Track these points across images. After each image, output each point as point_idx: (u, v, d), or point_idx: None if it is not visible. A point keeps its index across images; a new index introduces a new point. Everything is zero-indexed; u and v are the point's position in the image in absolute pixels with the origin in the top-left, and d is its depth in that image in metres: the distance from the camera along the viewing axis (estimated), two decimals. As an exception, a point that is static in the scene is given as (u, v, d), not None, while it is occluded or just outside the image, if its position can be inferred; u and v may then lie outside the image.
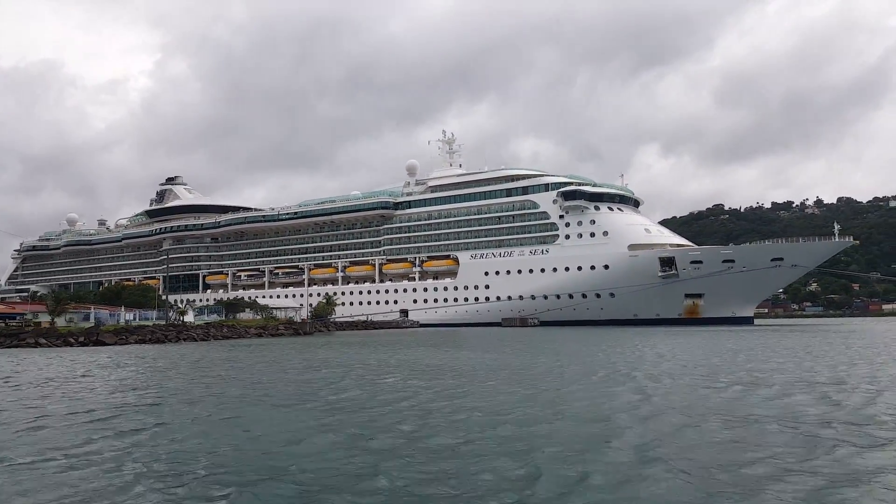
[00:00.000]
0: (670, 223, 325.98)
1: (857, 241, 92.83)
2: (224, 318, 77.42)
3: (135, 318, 67.32)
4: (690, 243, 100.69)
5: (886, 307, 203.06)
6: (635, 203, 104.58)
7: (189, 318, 69.23)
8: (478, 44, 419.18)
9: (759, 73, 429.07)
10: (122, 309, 70.62)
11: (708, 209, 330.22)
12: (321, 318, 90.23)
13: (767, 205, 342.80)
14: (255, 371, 23.77)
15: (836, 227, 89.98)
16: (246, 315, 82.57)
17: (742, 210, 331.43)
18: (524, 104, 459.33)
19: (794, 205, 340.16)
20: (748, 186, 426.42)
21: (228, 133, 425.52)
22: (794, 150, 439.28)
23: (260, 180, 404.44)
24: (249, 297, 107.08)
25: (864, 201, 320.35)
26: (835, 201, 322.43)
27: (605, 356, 28.68)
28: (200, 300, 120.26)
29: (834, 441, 9.97)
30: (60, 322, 64.37)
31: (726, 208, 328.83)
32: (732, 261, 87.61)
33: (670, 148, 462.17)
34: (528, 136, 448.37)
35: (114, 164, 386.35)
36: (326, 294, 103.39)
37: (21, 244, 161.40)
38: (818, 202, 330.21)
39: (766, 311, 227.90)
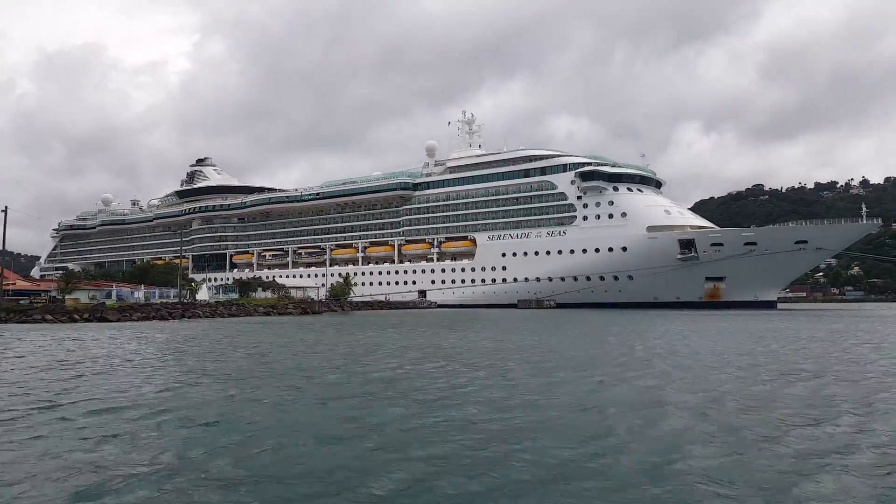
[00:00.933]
0: (707, 204, 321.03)
1: (881, 223, 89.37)
2: (238, 296, 79.16)
3: (155, 296, 69.47)
4: (712, 225, 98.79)
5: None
6: (657, 184, 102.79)
7: (203, 295, 70.96)
8: (512, 20, 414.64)
9: (806, 47, 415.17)
10: (143, 287, 72.93)
11: (747, 189, 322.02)
12: (338, 297, 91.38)
13: (810, 185, 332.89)
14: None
15: (864, 208, 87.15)
16: (263, 294, 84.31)
17: (783, 190, 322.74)
18: (559, 82, 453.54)
19: (838, 185, 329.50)
20: (792, 166, 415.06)
21: (263, 115, 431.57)
22: (842, 128, 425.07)
23: (293, 161, 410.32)
24: (271, 277, 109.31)
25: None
26: (881, 181, 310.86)
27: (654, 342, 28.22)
28: (227, 279, 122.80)
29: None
30: (84, 298, 67.05)
31: (766, 189, 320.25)
32: (754, 243, 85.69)
33: (711, 126, 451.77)
34: (562, 114, 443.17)
35: (153, 145, 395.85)
36: (344, 274, 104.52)
37: (59, 224, 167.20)
38: (864, 182, 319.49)
39: (805, 294, 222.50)
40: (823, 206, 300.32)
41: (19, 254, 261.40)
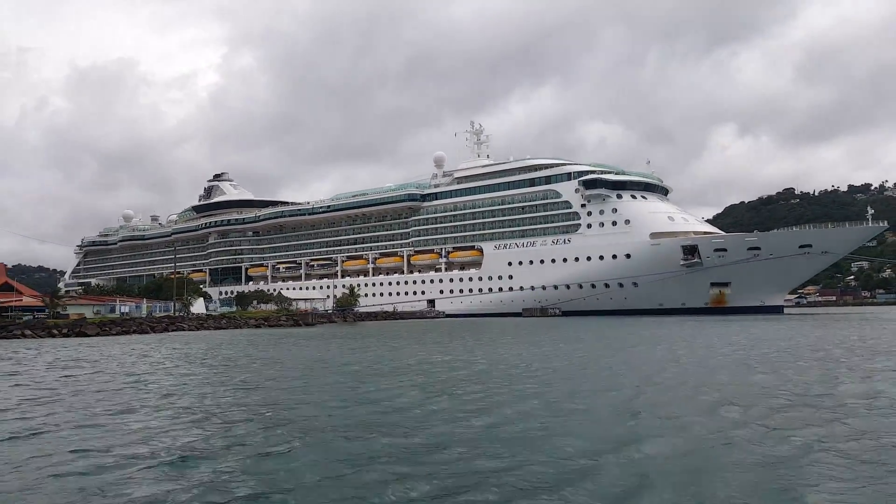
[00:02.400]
0: (738, 209, 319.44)
1: (887, 226, 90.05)
2: (235, 309, 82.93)
3: (157, 310, 73.48)
4: (717, 230, 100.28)
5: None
6: (664, 191, 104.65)
7: (200, 308, 74.65)
8: (541, 24, 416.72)
9: (844, 46, 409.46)
10: (145, 301, 77.14)
11: (778, 193, 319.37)
12: (344, 308, 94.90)
13: (844, 188, 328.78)
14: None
15: (870, 211, 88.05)
16: (265, 307, 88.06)
17: (815, 193, 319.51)
18: (590, 87, 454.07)
19: (872, 187, 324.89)
20: (830, 168, 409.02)
21: (293, 126, 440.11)
22: (882, 129, 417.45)
23: (325, 174, 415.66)
24: (278, 290, 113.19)
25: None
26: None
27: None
28: (242, 292, 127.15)
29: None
30: (88, 313, 71.25)
31: (797, 192, 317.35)
32: (758, 248, 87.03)
33: (747, 128, 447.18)
34: (594, 120, 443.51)
35: (185, 158, 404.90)
36: (351, 285, 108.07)
37: (83, 240, 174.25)
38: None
39: (835, 298, 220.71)
40: (857, 208, 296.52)
41: (54, 269, 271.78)
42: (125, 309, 77.21)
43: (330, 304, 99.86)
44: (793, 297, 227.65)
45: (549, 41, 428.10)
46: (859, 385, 15.64)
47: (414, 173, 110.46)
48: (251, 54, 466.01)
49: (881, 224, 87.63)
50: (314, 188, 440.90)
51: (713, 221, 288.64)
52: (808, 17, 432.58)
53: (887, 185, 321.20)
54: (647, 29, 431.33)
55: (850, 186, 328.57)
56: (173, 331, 55.04)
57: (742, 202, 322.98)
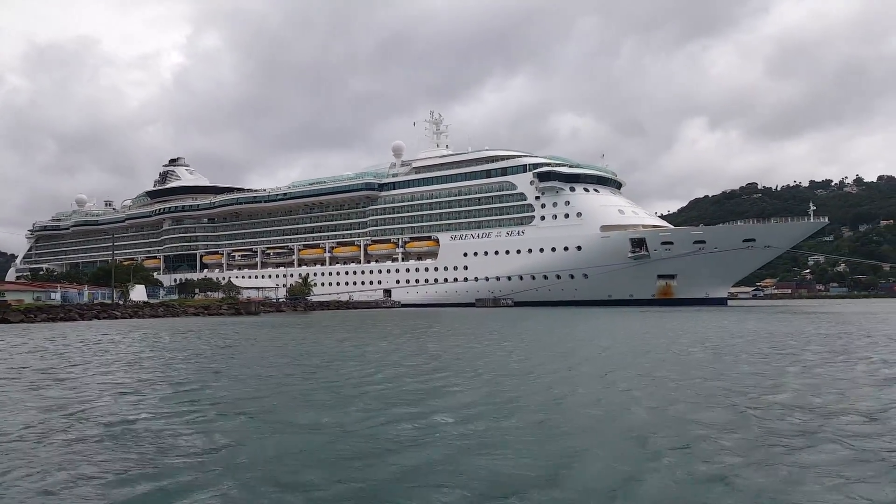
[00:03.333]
0: (703, 202, 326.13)
1: (827, 222, 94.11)
2: (177, 297, 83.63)
3: (97, 297, 73.96)
4: (667, 224, 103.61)
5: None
6: (617, 184, 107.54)
7: (140, 296, 75.12)
8: (516, 11, 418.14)
9: (815, 41, 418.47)
10: (86, 288, 77.53)
11: (741, 188, 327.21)
12: (296, 298, 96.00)
13: (805, 183, 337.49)
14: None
15: (811, 207, 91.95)
16: (215, 295, 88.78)
17: (778, 188, 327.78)
18: (563, 77, 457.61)
19: (832, 183, 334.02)
20: (797, 163, 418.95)
21: (262, 111, 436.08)
22: (848, 125, 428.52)
23: (293, 160, 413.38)
24: (228, 278, 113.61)
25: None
26: (875, 179, 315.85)
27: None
28: (191, 279, 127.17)
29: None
30: (29, 299, 71.44)
31: (760, 187, 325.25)
32: (703, 242, 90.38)
33: (717, 122, 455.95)
34: (566, 111, 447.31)
35: (148, 141, 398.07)
36: (304, 274, 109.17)
37: (34, 224, 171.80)
38: (858, 180, 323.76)
39: (790, 291, 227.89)
40: (816, 203, 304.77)
41: (13, 255, 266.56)
42: (67, 295, 77.62)
43: (283, 293, 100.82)
44: (750, 289, 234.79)
45: (524, 28, 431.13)
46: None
47: (385, 161, 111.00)
48: (217, 34, 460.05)
49: (822, 220, 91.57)
50: (282, 175, 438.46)
51: (679, 214, 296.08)
52: (781, 12, 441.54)
53: (847, 181, 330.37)
54: (623, 20, 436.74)
55: (812, 182, 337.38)
56: (104, 318, 55.16)
57: (707, 196, 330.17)
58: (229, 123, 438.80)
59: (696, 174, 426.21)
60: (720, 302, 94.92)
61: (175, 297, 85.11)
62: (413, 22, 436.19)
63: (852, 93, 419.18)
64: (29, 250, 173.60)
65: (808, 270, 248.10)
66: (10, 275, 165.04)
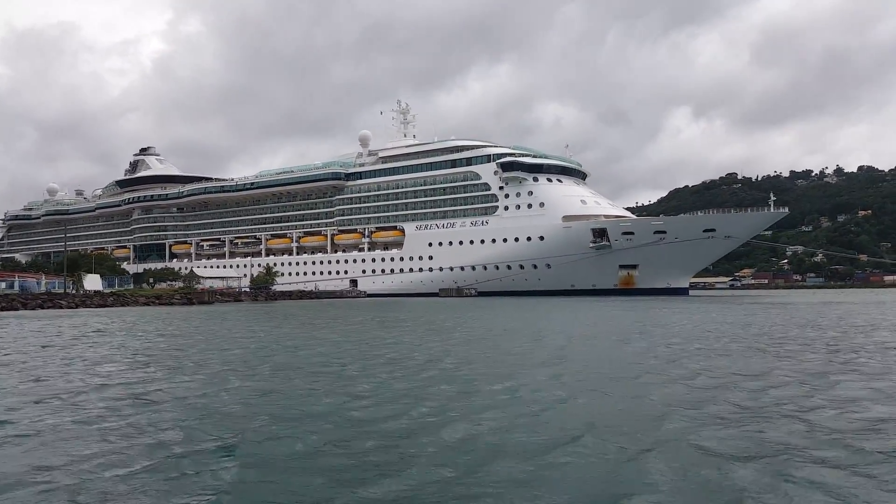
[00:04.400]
0: (682, 192, 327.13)
1: (787, 212, 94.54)
2: (132, 286, 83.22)
3: (55, 286, 73.45)
4: (629, 214, 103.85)
5: (888, 278, 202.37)
6: (581, 175, 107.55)
7: (95, 285, 74.58)
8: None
9: (800, 29, 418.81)
10: (43, 277, 76.96)
11: (721, 178, 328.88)
12: (258, 287, 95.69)
13: (786, 174, 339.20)
14: None
15: (772, 197, 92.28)
16: (176, 284, 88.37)
17: (759, 179, 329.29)
18: (547, 65, 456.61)
19: (813, 173, 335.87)
20: (782, 153, 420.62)
21: (245, 99, 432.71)
22: (832, 115, 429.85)
23: (276, 149, 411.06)
24: (190, 268, 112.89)
25: (887, 170, 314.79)
26: (855, 170, 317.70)
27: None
28: (179, 269, 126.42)
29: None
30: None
31: (740, 177, 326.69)
32: (664, 232, 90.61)
33: (702, 112, 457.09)
34: (550, 99, 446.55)
35: (129, 130, 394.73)
36: (267, 264, 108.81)
37: (6, 213, 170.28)
38: (838, 171, 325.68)
39: (767, 281, 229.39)
40: (795, 193, 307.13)
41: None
42: (25, 285, 77.03)
43: (247, 283, 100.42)
44: (727, 279, 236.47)
45: (507, 16, 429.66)
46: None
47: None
48: (199, 20, 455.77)
49: (782, 210, 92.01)
50: (265, 164, 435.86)
51: (659, 204, 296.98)
52: (767, 0, 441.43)
53: (827, 171, 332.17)
54: (607, 8, 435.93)
55: (792, 172, 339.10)
56: (48, 307, 54.87)
57: (686, 186, 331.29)
58: (212, 111, 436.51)
59: (681, 164, 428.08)
60: (682, 292, 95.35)
61: (129, 286, 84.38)
62: (396, 8, 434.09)
63: (837, 82, 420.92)
64: (1, 239, 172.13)
65: (785, 261, 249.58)
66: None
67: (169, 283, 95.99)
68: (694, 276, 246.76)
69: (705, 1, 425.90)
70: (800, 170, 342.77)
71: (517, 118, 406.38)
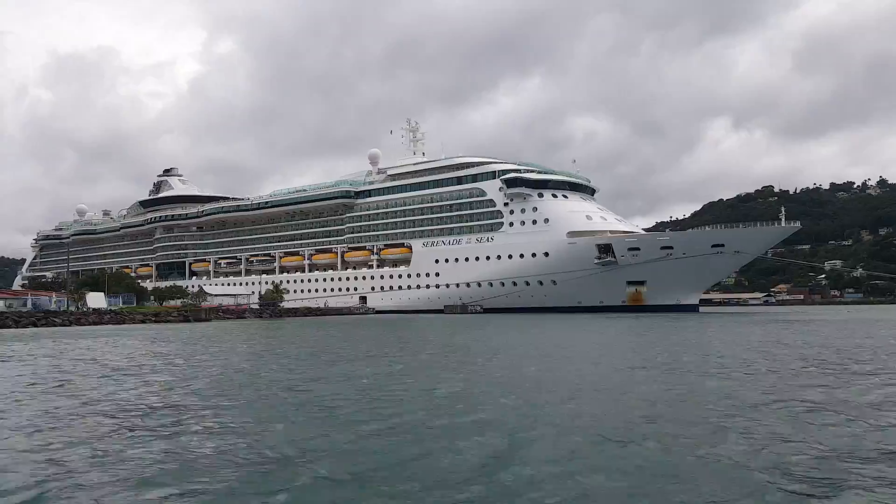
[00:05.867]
0: (716, 206, 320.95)
1: (800, 226, 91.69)
2: (134, 304, 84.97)
3: (64, 304, 75.60)
4: (638, 230, 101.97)
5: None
6: (590, 191, 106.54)
7: (100, 303, 76.31)
8: (528, 10, 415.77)
9: (844, 35, 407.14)
10: (53, 295, 79.25)
11: (756, 191, 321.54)
12: (265, 304, 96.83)
13: (826, 186, 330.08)
14: None
15: (783, 211, 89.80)
16: (175, 302, 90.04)
17: (797, 192, 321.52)
18: (578, 78, 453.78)
19: (854, 185, 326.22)
20: (824, 164, 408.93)
21: (274, 118, 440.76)
22: (878, 124, 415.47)
23: (307, 167, 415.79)
24: (199, 286, 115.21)
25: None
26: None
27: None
28: (191, 286, 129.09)
29: None
30: (1, 306, 73.25)
31: (776, 190, 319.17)
32: (671, 248, 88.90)
33: (741, 122, 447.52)
34: (582, 113, 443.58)
35: (165, 151, 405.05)
36: (276, 282, 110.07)
37: (38, 234, 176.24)
38: (881, 182, 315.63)
39: (803, 297, 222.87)
40: (835, 206, 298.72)
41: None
42: (38, 302, 79.39)
43: (254, 300, 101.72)
44: (762, 295, 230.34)
45: (536, 28, 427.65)
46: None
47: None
48: (231, 39, 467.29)
49: (794, 224, 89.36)
50: (295, 183, 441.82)
51: (693, 218, 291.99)
52: (809, 6, 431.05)
53: (870, 183, 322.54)
54: (640, 18, 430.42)
55: (832, 184, 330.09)
56: (42, 325, 56.34)
57: (721, 200, 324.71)
58: (243, 131, 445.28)
59: (719, 176, 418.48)
60: (692, 308, 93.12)
61: (132, 304, 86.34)
62: (422, 24, 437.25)
63: (883, 89, 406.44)
64: (34, 258, 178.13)
65: (823, 276, 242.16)
66: (17, 282, 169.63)
67: (179, 300, 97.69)
68: (726, 293, 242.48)
69: (742, 9, 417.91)
70: (844, 181, 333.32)
71: (547, 133, 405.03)
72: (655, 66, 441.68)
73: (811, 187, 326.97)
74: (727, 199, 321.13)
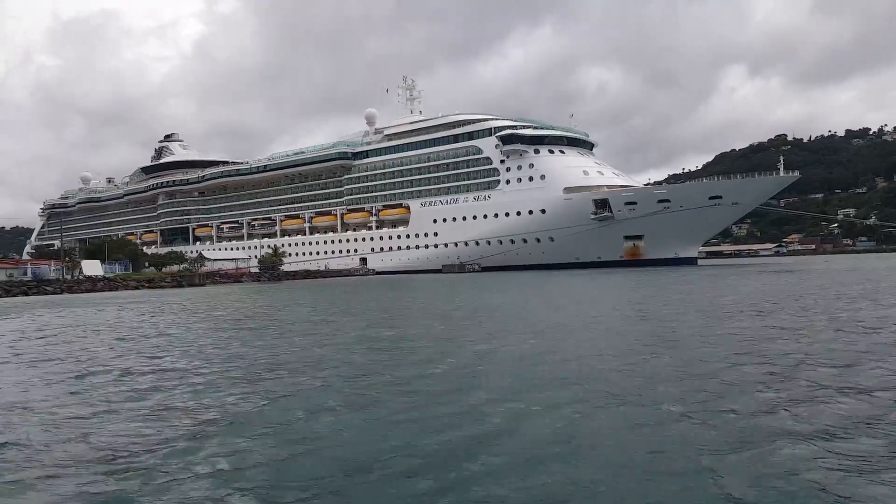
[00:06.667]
0: (729, 157, 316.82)
1: (798, 176, 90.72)
2: (129, 271, 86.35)
3: (62, 272, 77.07)
4: (635, 184, 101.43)
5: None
6: (588, 145, 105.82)
7: (96, 270, 77.68)
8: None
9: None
10: (52, 263, 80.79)
11: (769, 140, 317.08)
12: (269, 268, 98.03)
13: (843, 133, 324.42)
14: None
15: (781, 160, 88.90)
16: (177, 267, 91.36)
17: (811, 139, 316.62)
18: (591, 27, 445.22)
19: (870, 132, 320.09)
20: (842, 111, 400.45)
21: (282, 78, 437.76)
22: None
23: (316, 127, 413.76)
24: (198, 251, 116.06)
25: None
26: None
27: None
28: (193, 252, 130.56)
29: None
30: (2, 276, 74.82)
31: (790, 139, 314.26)
32: (668, 201, 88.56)
33: (757, 70, 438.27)
34: (594, 64, 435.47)
35: (173, 115, 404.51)
36: (275, 245, 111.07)
37: (45, 202, 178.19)
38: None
39: (814, 246, 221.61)
40: (848, 154, 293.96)
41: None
42: (38, 271, 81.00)
43: (252, 265, 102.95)
44: (772, 245, 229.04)
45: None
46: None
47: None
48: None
49: (792, 174, 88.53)
50: (304, 143, 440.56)
51: (705, 170, 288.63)
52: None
53: (886, 129, 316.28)
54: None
55: (848, 131, 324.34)
56: (33, 294, 57.56)
57: (733, 150, 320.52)
58: (250, 92, 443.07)
59: (735, 125, 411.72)
60: (690, 261, 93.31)
61: (126, 270, 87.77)
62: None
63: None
64: (42, 227, 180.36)
65: (835, 225, 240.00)
66: (26, 251, 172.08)
67: (179, 266, 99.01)
68: (738, 244, 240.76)
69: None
70: (857, 128, 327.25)
71: (559, 85, 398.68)
72: (671, 13, 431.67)
73: (825, 135, 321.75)
74: (740, 149, 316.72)
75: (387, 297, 40.56)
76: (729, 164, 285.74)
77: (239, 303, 39.52)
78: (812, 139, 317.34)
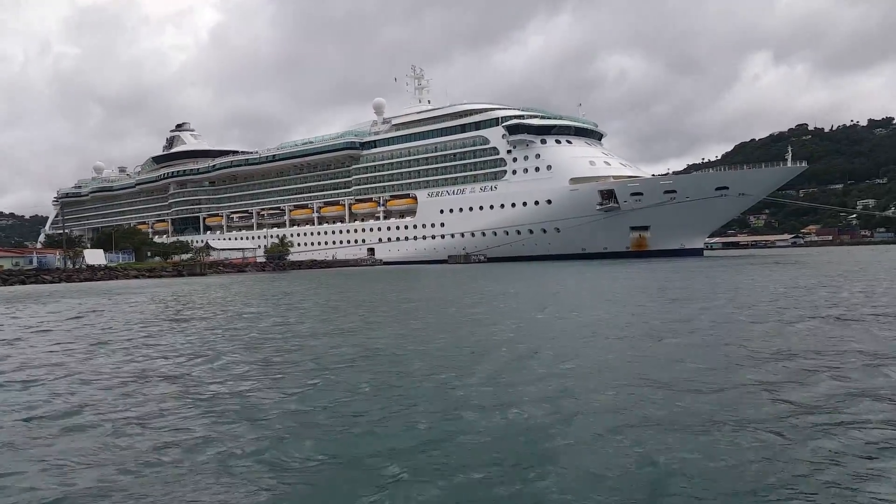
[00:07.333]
0: (748, 147, 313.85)
1: (806, 167, 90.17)
2: (132, 260, 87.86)
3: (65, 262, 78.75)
4: (644, 174, 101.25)
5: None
6: (597, 135, 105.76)
7: (99, 259, 79.18)
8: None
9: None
10: (57, 253, 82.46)
11: (790, 130, 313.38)
12: (275, 257, 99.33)
13: (865, 122, 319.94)
14: None
15: (789, 150, 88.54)
16: (184, 257, 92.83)
17: (833, 129, 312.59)
18: (612, 13, 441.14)
19: (893, 121, 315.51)
20: (869, 98, 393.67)
21: (299, 67, 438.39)
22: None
23: (333, 116, 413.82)
24: (206, 240, 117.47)
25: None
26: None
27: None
28: (200, 241, 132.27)
29: None
30: (7, 265, 76.64)
31: (811, 128, 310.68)
32: (674, 191, 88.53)
33: (783, 56, 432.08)
34: (614, 51, 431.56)
35: (190, 104, 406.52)
36: (281, 235, 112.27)
37: (58, 192, 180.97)
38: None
39: (831, 238, 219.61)
40: (869, 144, 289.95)
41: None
42: (44, 260, 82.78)
43: (259, 254, 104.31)
44: (789, 236, 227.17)
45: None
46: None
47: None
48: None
49: (800, 165, 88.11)
50: (319, 133, 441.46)
51: (724, 160, 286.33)
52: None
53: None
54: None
55: (871, 121, 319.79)
56: (31, 283, 58.73)
57: (753, 140, 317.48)
58: (267, 81, 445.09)
59: (758, 114, 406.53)
60: (696, 253, 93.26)
61: (130, 259, 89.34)
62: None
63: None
64: (56, 216, 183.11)
65: (854, 216, 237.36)
66: (40, 240, 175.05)
67: (186, 255, 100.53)
68: (755, 235, 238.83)
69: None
70: (880, 118, 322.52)
71: (579, 73, 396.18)
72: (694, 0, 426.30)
73: (847, 125, 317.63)
74: (760, 139, 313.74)
75: (395, 298, 41.22)
76: (748, 154, 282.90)
77: (222, 292, 40.48)
78: (833, 129, 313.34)
